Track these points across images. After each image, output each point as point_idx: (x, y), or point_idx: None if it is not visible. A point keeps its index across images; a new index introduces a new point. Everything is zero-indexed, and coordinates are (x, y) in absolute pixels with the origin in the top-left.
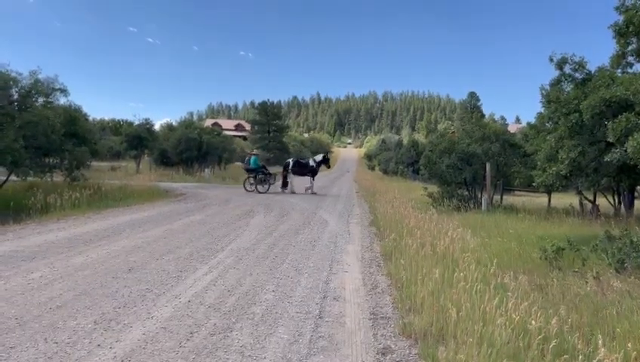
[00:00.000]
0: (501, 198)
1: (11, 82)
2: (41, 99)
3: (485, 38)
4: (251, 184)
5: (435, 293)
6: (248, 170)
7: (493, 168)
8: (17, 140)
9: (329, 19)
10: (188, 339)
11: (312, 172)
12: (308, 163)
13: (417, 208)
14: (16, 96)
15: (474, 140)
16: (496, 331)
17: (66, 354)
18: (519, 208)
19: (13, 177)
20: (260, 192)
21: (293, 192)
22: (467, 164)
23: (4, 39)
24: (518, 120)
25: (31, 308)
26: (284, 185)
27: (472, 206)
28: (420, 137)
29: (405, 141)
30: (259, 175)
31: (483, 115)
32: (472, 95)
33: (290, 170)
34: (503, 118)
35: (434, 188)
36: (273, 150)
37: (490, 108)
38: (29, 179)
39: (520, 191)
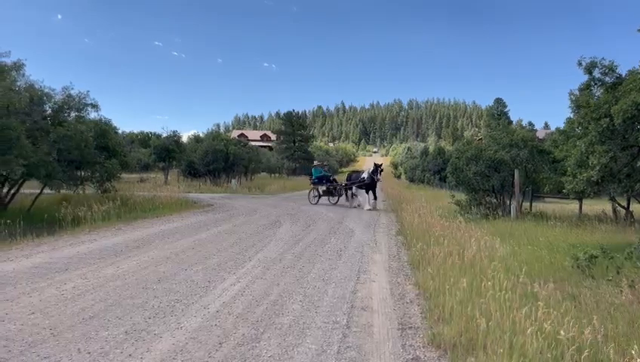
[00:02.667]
0: (530, 205)
1: (45, 98)
2: (73, 114)
3: (512, 43)
4: (315, 196)
5: (463, 303)
6: (316, 182)
7: (522, 175)
8: (51, 154)
9: (352, 29)
10: (217, 349)
11: (367, 185)
12: (359, 175)
13: (444, 216)
14: (49, 111)
15: (501, 147)
16: (528, 341)
17: None
18: (549, 215)
19: (46, 190)
20: (331, 203)
21: (357, 206)
22: (495, 171)
23: (35, 55)
24: (546, 125)
25: (64, 318)
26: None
27: (500, 213)
28: (447, 145)
29: (431, 149)
30: (328, 186)
31: (510, 122)
32: (499, 101)
33: (347, 183)
34: (530, 123)
35: (461, 196)
36: (299, 160)
37: (517, 114)
38: (62, 191)
39: (550, 197)
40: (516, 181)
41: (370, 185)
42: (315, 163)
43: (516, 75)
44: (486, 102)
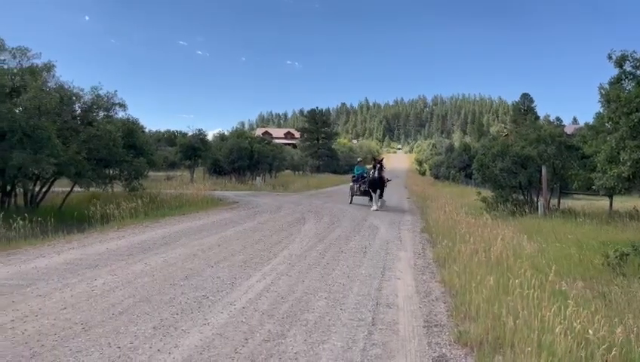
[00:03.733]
0: (558, 202)
1: (74, 98)
2: (101, 114)
3: (539, 37)
4: (351, 196)
5: (490, 301)
6: (358, 179)
7: (550, 171)
8: (80, 153)
9: (375, 25)
10: (243, 345)
11: (370, 183)
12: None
13: (470, 213)
14: (79, 111)
15: (528, 143)
16: (556, 340)
17: (129, 358)
18: (578, 212)
19: (76, 188)
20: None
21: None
22: (522, 168)
23: (63, 56)
24: (575, 121)
25: (95, 313)
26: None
27: (527, 210)
28: (472, 141)
29: (456, 145)
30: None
31: (537, 117)
32: (526, 96)
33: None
34: (558, 119)
35: (487, 193)
36: (323, 157)
37: (544, 109)
38: (91, 189)
39: (579, 194)
40: (544, 177)
41: (373, 183)
42: (358, 160)
43: (544, 69)
44: (512, 97)
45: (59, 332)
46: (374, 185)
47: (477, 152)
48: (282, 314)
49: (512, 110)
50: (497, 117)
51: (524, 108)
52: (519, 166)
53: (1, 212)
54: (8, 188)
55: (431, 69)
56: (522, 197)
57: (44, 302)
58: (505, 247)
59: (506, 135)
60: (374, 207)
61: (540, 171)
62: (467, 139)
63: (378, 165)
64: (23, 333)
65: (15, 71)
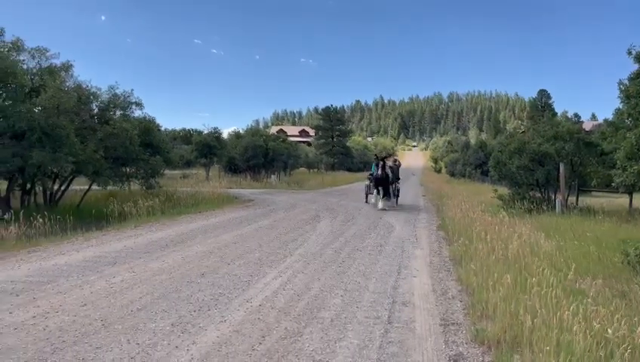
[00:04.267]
0: (577, 200)
1: (92, 97)
2: (118, 112)
3: (557, 32)
4: (369, 194)
5: (507, 299)
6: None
7: (568, 168)
8: (98, 151)
9: (390, 22)
10: (260, 343)
11: (376, 181)
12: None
13: (487, 211)
14: (96, 110)
15: (546, 140)
16: (575, 339)
17: (147, 354)
18: (597, 210)
19: (94, 186)
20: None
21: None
22: (539, 165)
23: (80, 55)
24: (594, 117)
25: (114, 310)
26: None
27: (545, 208)
28: (488, 138)
29: (472, 142)
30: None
31: (555, 113)
32: (543, 92)
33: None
34: (576, 115)
35: (504, 191)
36: (337, 155)
37: (562, 105)
38: (109, 187)
39: (597, 191)
40: (561, 174)
41: (379, 181)
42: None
43: (562, 65)
44: (529, 93)
45: (79, 329)
46: (378, 183)
47: (493, 149)
48: (298, 312)
49: (528, 107)
50: (514, 114)
51: (542, 105)
52: (536, 163)
53: (21, 210)
54: (28, 186)
55: (446, 65)
56: (539, 194)
57: (64, 298)
58: (522, 245)
59: (522, 132)
60: (380, 206)
61: (558, 168)
62: (483, 136)
63: (381, 163)
64: (45, 329)
65: (34, 71)
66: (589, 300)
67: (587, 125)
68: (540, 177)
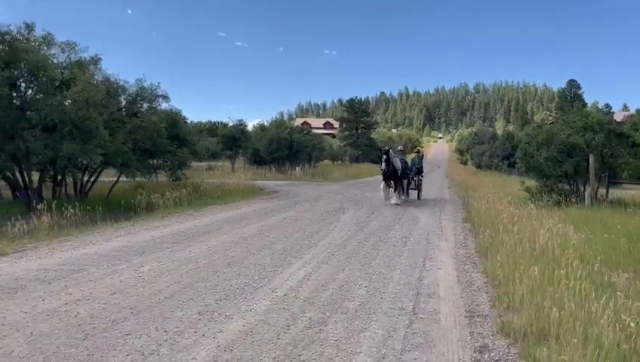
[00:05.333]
0: (607, 192)
1: (120, 90)
2: (145, 105)
3: (587, 21)
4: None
5: (534, 292)
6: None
7: (598, 160)
8: (126, 143)
9: (414, 12)
10: (285, 332)
11: (384, 175)
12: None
13: (514, 203)
14: (124, 103)
15: (575, 131)
16: (604, 332)
17: (175, 342)
18: (628, 202)
19: (122, 178)
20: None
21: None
22: (568, 156)
23: (108, 49)
24: (625, 107)
25: (142, 298)
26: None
27: (573, 200)
28: (515, 129)
29: (499, 133)
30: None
31: (585, 104)
32: (572, 83)
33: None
34: (607, 105)
35: (531, 183)
36: (362, 147)
37: (592, 96)
38: (137, 179)
39: (629, 184)
40: (591, 166)
41: (386, 175)
42: (399, 148)
43: (592, 55)
44: (558, 84)
45: (109, 316)
46: (386, 178)
47: (521, 141)
48: (323, 302)
49: (557, 97)
50: (542, 104)
51: (571, 95)
52: (565, 155)
53: (53, 200)
54: (59, 177)
55: (473, 56)
56: (568, 186)
57: (94, 286)
58: (550, 238)
59: (551, 123)
60: (392, 201)
61: (587, 160)
62: (510, 127)
63: (384, 156)
64: (76, 316)
65: (64, 64)
66: (619, 293)
67: (618, 116)
68: (568, 169)
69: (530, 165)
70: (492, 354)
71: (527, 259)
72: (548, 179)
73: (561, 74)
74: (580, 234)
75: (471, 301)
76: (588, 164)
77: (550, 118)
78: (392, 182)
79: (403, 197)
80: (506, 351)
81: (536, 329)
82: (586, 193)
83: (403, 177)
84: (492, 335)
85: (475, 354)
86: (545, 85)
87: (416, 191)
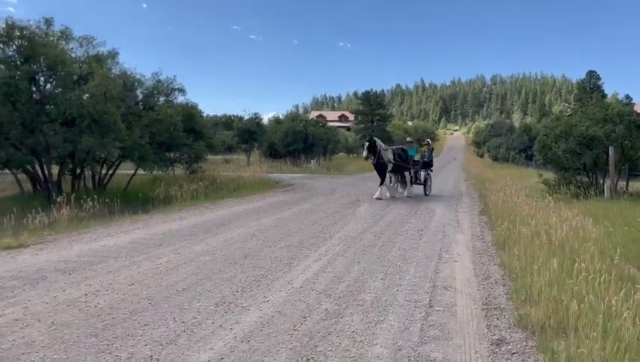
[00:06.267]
0: (627, 184)
1: (137, 84)
2: (162, 99)
3: (607, 11)
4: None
5: (552, 284)
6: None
7: (618, 152)
8: (143, 137)
9: (429, 3)
10: (301, 323)
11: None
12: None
13: (531, 196)
14: (140, 97)
15: (594, 122)
16: (624, 325)
17: (193, 332)
18: None
19: (140, 171)
20: (426, 194)
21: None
22: (587, 148)
23: (124, 43)
24: None
25: (160, 290)
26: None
27: (592, 193)
28: (533, 121)
29: (517, 125)
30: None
31: (604, 95)
32: (592, 74)
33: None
34: (627, 97)
35: (549, 175)
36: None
37: (612, 87)
38: (154, 172)
39: None
40: (611, 158)
41: (376, 168)
42: (408, 140)
43: (612, 45)
44: (577, 75)
45: (128, 307)
46: (377, 171)
47: (538, 133)
48: (339, 294)
49: (576, 88)
50: (560, 96)
51: (590, 87)
52: (584, 147)
53: (72, 193)
54: (78, 171)
55: (490, 47)
56: (587, 179)
57: (113, 278)
58: (568, 230)
59: (569, 114)
60: (376, 195)
61: (607, 152)
62: (528, 119)
63: (366, 143)
64: (96, 307)
65: (82, 59)
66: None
67: (639, 107)
68: (587, 161)
69: (548, 157)
70: (509, 347)
71: (544, 252)
72: (566, 171)
73: (580, 65)
74: (600, 227)
75: (488, 293)
76: (607, 156)
77: (569, 110)
78: (393, 174)
79: (400, 192)
80: (524, 344)
81: (555, 322)
82: (605, 185)
83: (397, 170)
84: (509, 328)
85: (492, 347)
86: (563, 76)
87: (422, 187)
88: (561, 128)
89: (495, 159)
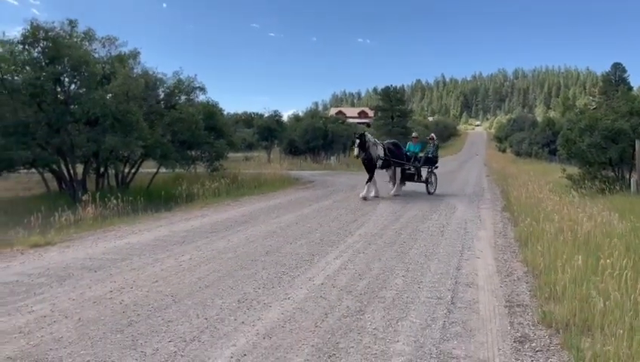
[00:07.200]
0: None
1: (158, 83)
2: (183, 97)
3: (632, 1)
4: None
5: (577, 281)
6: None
7: None
8: (165, 135)
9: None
10: (323, 320)
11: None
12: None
13: (555, 191)
14: (162, 96)
15: (620, 116)
16: None
17: (215, 329)
18: None
19: (162, 169)
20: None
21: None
22: (612, 142)
23: (144, 43)
24: None
25: (183, 286)
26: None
27: (618, 188)
28: (557, 115)
29: (539, 120)
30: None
31: (630, 88)
32: (617, 66)
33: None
34: None
35: (574, 170)
36: (397, 135)
37: (638, 79)
38: (176, 170)
39: None
40: (637, 152)
41: (364, 165)
42: (414, 135)
43: (638, 36)
44: (602, 68)
45: (152, 303)
46: (364, 166)
47: (562, 127)
48: (360, 291)
49: (601, 81)
50: (585, 89)
51: (616, 79)
52: (609, 141)
53: (96, 192)
54: (102, 169)
55: (511, 41)
56: (612, 173)
57: (137, 275)
58: (594, 226)
59: (594, 108)
60: (362, 194)
61: (634, 146)
62: (551, 113)
63: (357, 140)
64: (121, 303)
65: (105, 59)
66: None
67: None
68: (613, 155)
69: (573, 152)
70: (533, 345)
71: (569, 248)
72: (591, 166)
73: (606, 57)
74: (626, 222)
75: (511, 290)
76: (634, 150)
77: (593, 103)
78: (390, 171)
79: (393, 191)
80: (548, 341)
81: (580, 319)
82: (631, 180)
83: (389, 166)
84: (533, 326)
85: (515, 344)
86: (588, 69)
87: (425, 185)
88: (585, 122)
89: (517, 154)
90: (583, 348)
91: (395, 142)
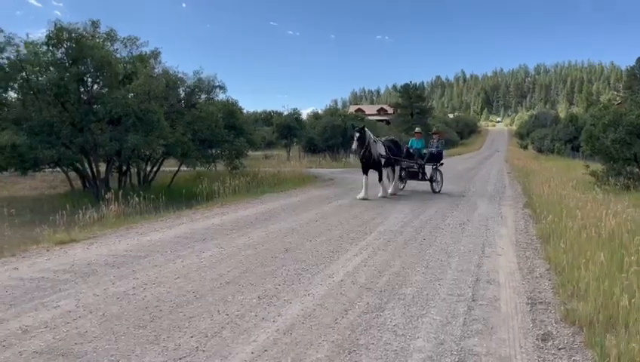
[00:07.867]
0: None
1: (179, 82)
2: (203, 96)
3: None
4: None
5: (601, 278)
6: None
7: None
8: (186, 134)
9: None
10: (343, 316)
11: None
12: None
13: (578, 188)
14: (183, 95)
15: None
16: None
17: (236, 325)
18: None
19: (183, 167)
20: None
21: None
22: (637, 138)
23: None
24: None
25: (204, 283)
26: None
27: None
28: (580, 111)
29: (562, 116)
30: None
31: None
32: None
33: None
34: None
35: (597, 166)
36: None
37: None
38: (197, 168)
39: None
40: None
41: (363, 163)
42: (416, 130)
43: None
44: (627, 62)
45: (174, 299)
46: (363, 167)
47: (585, 123)
48: (380, 288)
49: (626, 76)
50: (609, 84)
51: None
52: (634, 136)
53: (119, 190)
54: (124, 168)
55: (532, 37)
56: (638, 169)
57: (159, 271)
58: (618, 223)
59: (619, 103)
60: (359, 195)
61: None
62: (574, 109)
63: (357, 134)
64: (143, 299)
65: (126, 59)
66: None
67: None
68: (638, 151)
69: (596, 148)
70: (556, 342)
71: (593, 245)
72: (615, 162)
73: (631, 51)
74: None
75: (532, 288)
76: None
77: (618, 99)
78: (388, 169)
79: (390, 191)
80: (571, 339)
81: (604, 317)
82: None
83: (385, 165)
84: (555, 323)
85: (537, 342)
86: (612, 64)
87: (430, 184)
88: (609, 117)
89: (539, 150)
90: (607, 346)
91: (395, 140)
